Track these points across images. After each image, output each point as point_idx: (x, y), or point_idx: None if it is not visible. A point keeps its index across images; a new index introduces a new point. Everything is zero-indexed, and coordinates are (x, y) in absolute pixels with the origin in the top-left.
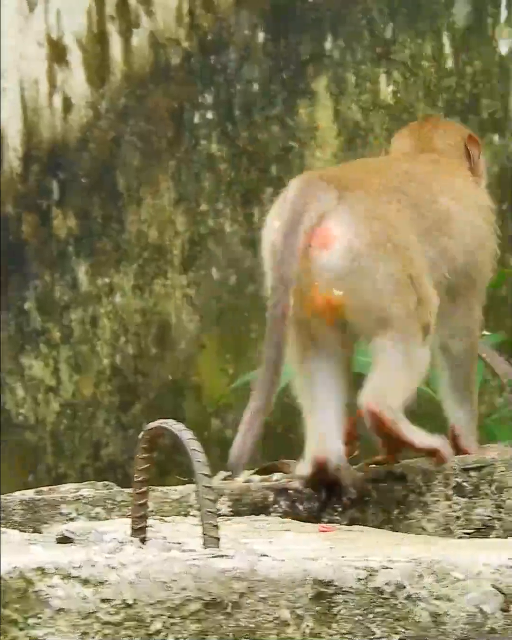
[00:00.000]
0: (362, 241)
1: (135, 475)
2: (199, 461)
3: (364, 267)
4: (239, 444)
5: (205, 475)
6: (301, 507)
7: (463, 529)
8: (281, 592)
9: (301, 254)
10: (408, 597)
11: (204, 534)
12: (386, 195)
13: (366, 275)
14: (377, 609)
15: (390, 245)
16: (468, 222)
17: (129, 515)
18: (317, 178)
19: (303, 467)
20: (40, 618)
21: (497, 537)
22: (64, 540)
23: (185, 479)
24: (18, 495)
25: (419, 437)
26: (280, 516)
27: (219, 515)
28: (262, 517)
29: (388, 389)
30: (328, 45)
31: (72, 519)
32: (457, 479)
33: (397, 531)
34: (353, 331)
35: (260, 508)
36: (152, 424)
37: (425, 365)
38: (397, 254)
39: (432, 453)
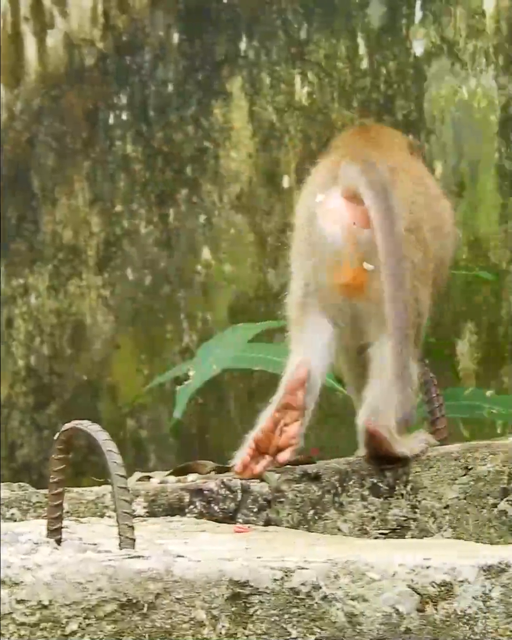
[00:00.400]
0: (402, 225)
1: (50, 476)
2: (114, 462)
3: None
4: (404, 401)
5: (121, 476)
6: (216, 508)
7: (379, 529)
8: (197, 592)
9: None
10: (324, 598)
11: (120, 535)
12: (417, 185)
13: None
14: (293, 610)
15: (420, 235)
16: (450, 225)
17: (45, 516)
18: (371, 158)
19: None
20: None
21: (412, 537)
22: None
23: (101, 479)
24: None
25: (409, 447)
26: (195, 517)
27: (135, 516)
28: (177, 518)
29: (384, 406)
30: (243, 45)
31: None
32: (372, 480)
33: (312, 532)
34: (361, 325)
35: (175, 509)
36: (67, 425)
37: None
38: (421, 246)
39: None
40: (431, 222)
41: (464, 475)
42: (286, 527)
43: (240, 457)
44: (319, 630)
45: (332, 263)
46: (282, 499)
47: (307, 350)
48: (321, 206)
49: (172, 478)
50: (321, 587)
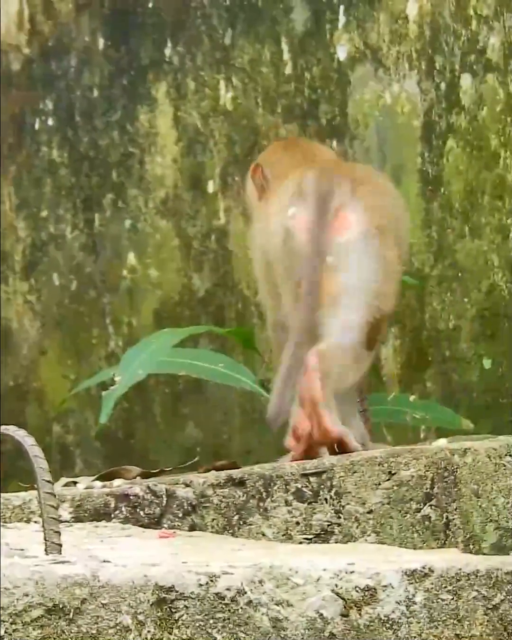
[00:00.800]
0: (375, 228)
1: None
2: (41, 467)
3: (372, 249)
4: (277, 402)
5: (47, 481)
6: (141, 513)
7: (303, 534)
8: (123, 598)
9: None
10: (249, 603)
11: (46, 540)
12: (385, 194)
13: (372, 257)
14: (219, 615)
15: (393, 237)
16: (406, 229)
17: None
18: (333, 172)
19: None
20: None
21: (336, 542)
22: None
23: (27, 485)
24: None
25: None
26: (121, 522)
27: (61, 521)
28: (103, 523)
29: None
30: (168, 51)
31: None
32: (296, 485)
33: (237, 537)
34: None
35: (101, 514)
36: None
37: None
38: (396, 249)
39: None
40: (396, 224)
41: (388, 480)
42: (210, 532)
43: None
44: (244, 635)
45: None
46: (207, 504)
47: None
48: (292, 219)
49: (98, 483)
50: (245, 592)
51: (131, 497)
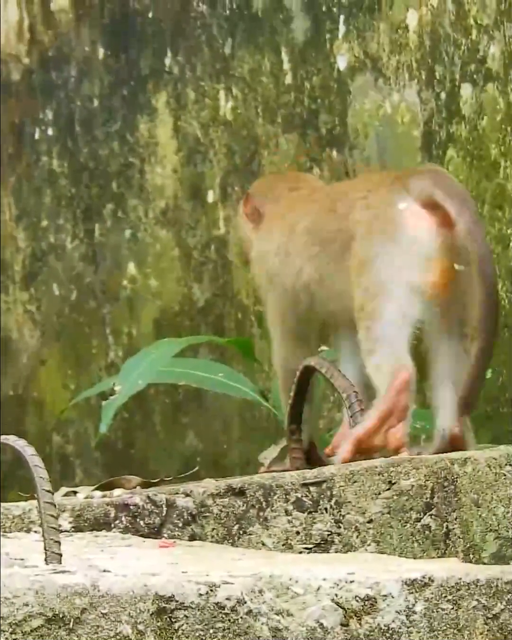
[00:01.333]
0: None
1: None
2: (41, 477)
3: None
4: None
5: (47, 491)
6: (141, 523)
7: (303, 544)
8: (123, 607)
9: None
10: (249, 612)
11: (46, 550)
12: None
13: None
14: (218, 624)
15: None
16: None
17: None
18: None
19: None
20: None
21: (336, 552)
22: None
23: (27, 494)
24: None
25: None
26: (121, 532)
27: (61, 531)
28: (103, 532)
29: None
30: (168, 61)
31: None
32: (296, 494)
33: (237, 546)
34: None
35: (101, 524)
36: None
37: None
38: None
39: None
40: None
41: (388, 489)
42: (210, 541)
43: (342, 455)
44: None
45: (422, 263)
46: (207, 514)
47: (402, 356)
48: (403, 213)
49: (98, 493)
50: (245, 602)
51: (131, 507)
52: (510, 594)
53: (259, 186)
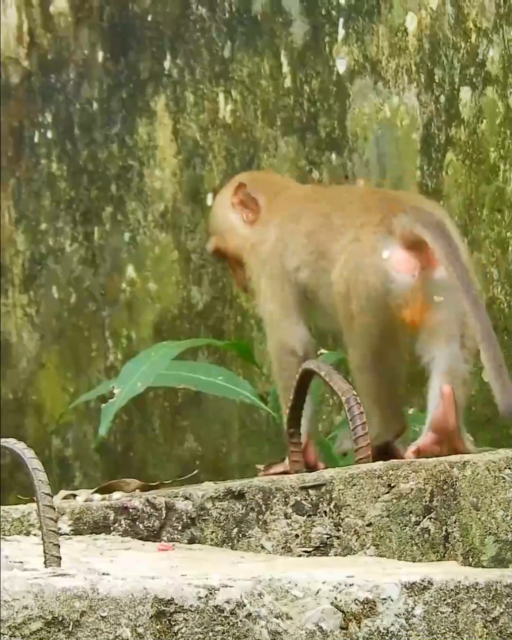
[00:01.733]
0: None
1: None
2: (40, 480)
3: None
4: (506, 391)
5: (47, 494)
6: (141, 526)
7: (302, 547)
8: (122, 610)
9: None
10: (248, 615)
11: (46, 553)
12: None
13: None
14: (218, 627)
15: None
16: None
17: None
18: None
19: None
20: None
21: (335, 555)
22: None
23: (27, 497)
24: None
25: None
26: (120, 535)
27: (60, 534)
28: (103, 535)
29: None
30: (167, 64)
31: None
32: (296, 498)
33: (236, 550)
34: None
35: (101, 527)
36: None
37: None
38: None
39: None
40: None
41: (387, 493)
42: (210, 545)
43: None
44: None
45: (401, 304)
46: (206, 517)
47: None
48: (389, 261)
49: (98, 496)
50: (245, 605)
51: (130, 510)
52: (509, 598)
53: (252, 178)
